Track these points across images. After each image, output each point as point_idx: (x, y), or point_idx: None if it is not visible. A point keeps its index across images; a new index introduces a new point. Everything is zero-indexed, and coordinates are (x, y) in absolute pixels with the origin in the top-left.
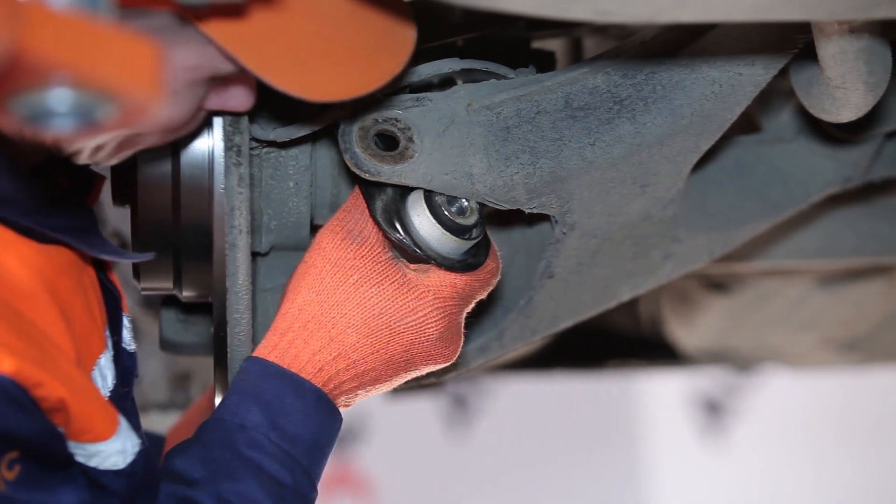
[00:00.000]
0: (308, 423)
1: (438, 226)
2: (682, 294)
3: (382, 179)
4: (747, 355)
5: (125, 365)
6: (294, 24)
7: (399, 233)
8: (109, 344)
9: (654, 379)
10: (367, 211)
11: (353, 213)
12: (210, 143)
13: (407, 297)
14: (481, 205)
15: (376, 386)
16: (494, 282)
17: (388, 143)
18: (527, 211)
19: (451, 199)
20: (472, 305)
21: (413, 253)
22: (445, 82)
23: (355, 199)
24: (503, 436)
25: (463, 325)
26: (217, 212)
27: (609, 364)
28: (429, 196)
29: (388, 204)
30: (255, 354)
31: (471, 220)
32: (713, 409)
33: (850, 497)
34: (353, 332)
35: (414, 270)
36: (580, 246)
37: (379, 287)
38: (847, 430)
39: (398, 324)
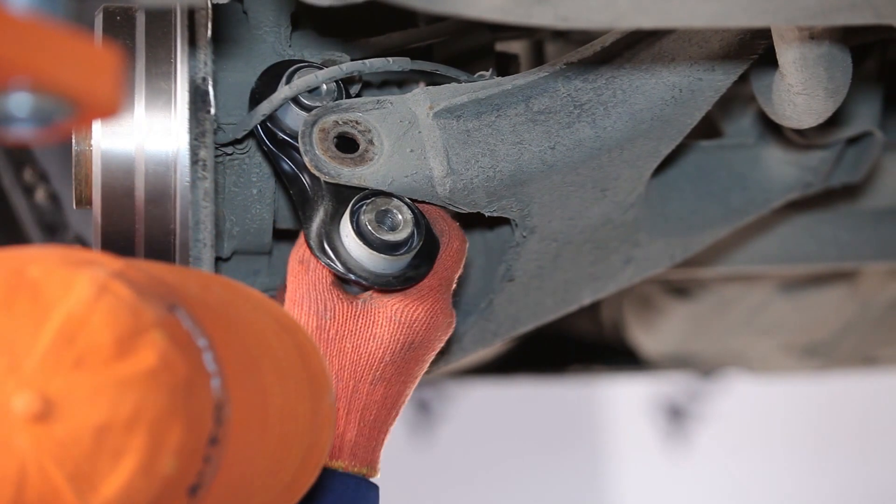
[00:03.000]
0: None
1: (365, 246)
2: (645, 299)
3: (342, 182)
4: (709, 361)
5: None
6: None
7: (328, 257)
8: None
9: (616, 384)
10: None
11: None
12: (175, 157)
13: (375, 319)
14: (415, 210)
15: (407, 391)
16: (462, 257)
17: (348, 145)
18: (487, 214)
19: (382, 215)
20: (455, 284)
21: (344, 277)
22: (406, 84)
23: None
24: (467, 441)
25: (451, 303)
26: (181, 223)
27: (572, 369)
28: (355, 216)
29: (319, 227)
30: None
31: (403, 233)
32: (675, 415)
33: (813, 502)
34: (351, 381)
35: None
36: (540, 249)
37: (358, 330)
38: (809, 436)
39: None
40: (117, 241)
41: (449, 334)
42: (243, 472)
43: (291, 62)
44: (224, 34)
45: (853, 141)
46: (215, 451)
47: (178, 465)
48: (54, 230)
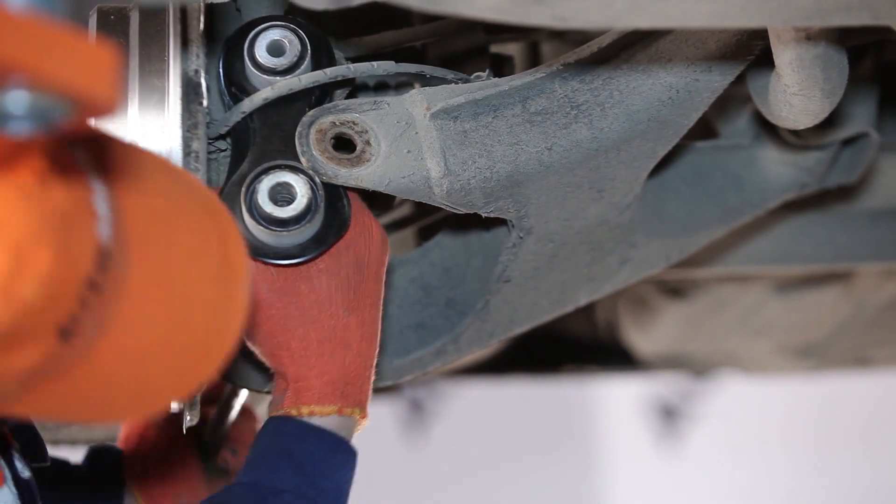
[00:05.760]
0: (338, 473)
1: (251, 217)
2: (640, 299)
3: (340, 182)
4: (703, 361)
5: (24, 491)
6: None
7: None
8: (7, 475)
9: (610, 384)
10: None
11: None
12: (168, 149)
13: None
14: (317, 192)
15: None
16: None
17: (345, 145)
18: (484, 215)
19: (278, 188)
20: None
21: None
22: (401, 85)
23: None
24: (460, 440)
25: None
26: None
27: (566, 369)
28: (252, 185)
29: (229, 186)
30: (274, 411)
31: (292, 210)
32: (669, 415)
33: (805, 502)
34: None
35: None
36: (537, 250)
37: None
38: (801, 436)
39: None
40: None
41: (387, 249)
42: (138, 344)
43: (262, 20)
44: (218, 32)
45: (849, 142)
46: (96, 299)
47: (43, 294)
48: None
